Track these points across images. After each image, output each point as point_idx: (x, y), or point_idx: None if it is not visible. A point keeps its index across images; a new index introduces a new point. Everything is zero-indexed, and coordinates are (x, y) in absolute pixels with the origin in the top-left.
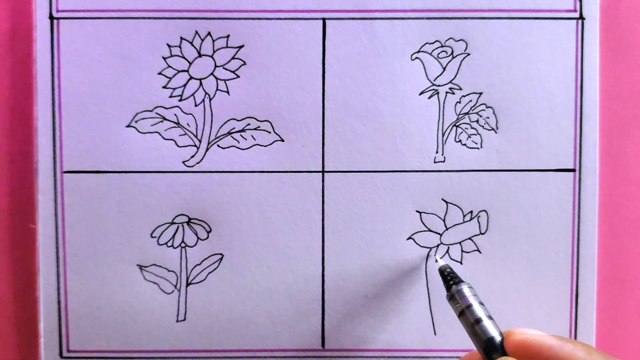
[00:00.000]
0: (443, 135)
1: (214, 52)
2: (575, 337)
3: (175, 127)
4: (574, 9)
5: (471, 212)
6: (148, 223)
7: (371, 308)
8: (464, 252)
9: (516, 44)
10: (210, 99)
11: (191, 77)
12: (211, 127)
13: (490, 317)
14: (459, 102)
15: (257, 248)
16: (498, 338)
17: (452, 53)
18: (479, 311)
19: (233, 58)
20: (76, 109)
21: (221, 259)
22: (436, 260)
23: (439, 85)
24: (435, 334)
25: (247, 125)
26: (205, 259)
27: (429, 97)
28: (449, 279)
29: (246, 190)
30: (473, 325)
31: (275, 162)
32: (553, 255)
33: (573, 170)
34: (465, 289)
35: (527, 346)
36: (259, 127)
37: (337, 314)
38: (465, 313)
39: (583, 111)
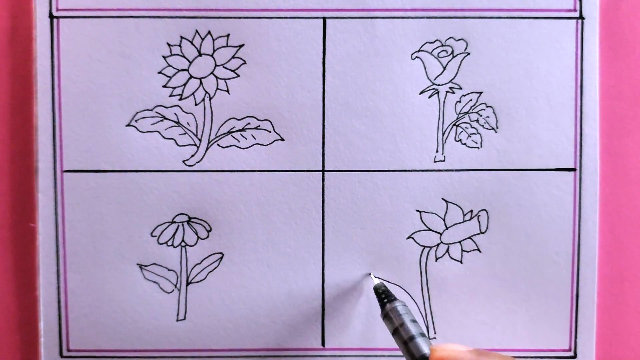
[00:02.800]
0: (443, 134)
1: (214, 51)
2: (576, 337)
3: (175, 126)
4: (574, 8)
5: (471, 211)
6: (148, 222)
7: (371, 307)
8: (464, 251)
9: (516, 43)
10: (210, 98)
11: (191, 76)
12: (211, 126)
13: (422, 335)
14: (459, 102)
15: (257, 247)
16: (429, 355)
17: (452, 52)
18: (411, 329)
19: (233, 57)
20: (76, 109)
21: (221, 258)
22: (372, 279)
23: (439, 85)
24: (435, 332)
25: (247, 124)
26: (205, 258)
27: (429, 97)
28: (384, 297)
29: (246, 190)
30: (406, 342)
31: (275, 161)
32: (553, 255)
33: (573, 169)
34: (399, 307)
35: None
36: (259, 126)
37: (337, 313)
38: (398, 331)
39: (583, 110)
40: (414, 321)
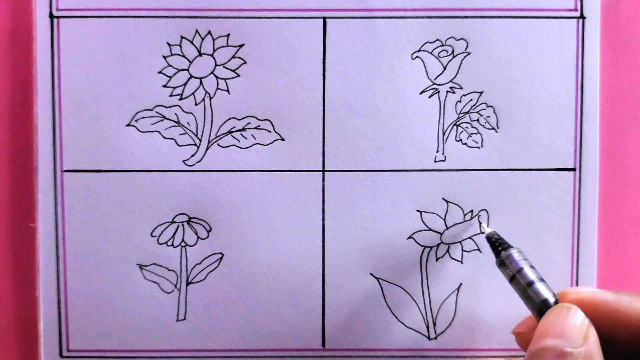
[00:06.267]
0: (443, 134)
1: (214, 51)
2: None
3: (175, 126)
4: (575, 8)
5: (472, 211)
6: (148, 222)
7: (371, 307)
8: (465, 251)
9: (517, 43)
10: (210, 98)
11: (191, 76)
12: (211, 126)
13: (542, 280)
14: (460, 101)
15: (258, 247)
16: (552, 299)
17: (452, 52)
18: (530, 274)
19: (233, 57)
20: (76, 108)
21: (221, 258)
22: (481, 228)
23: (439, 85)
24: (435, 332)
25: (248, 124)
26: (205, 258)
27: (430, 96)
28: (497, 245)
29: (246, 190)
30: (525, 288)
31: (275, 161)
32: (553, 255)
33: (573, 169)
34: (515, 254)
35: (584, 304)
36: (259, 126)
37: (337, 313)
38: (516, 277)
39: (583, 110)
40: (532, 267)
